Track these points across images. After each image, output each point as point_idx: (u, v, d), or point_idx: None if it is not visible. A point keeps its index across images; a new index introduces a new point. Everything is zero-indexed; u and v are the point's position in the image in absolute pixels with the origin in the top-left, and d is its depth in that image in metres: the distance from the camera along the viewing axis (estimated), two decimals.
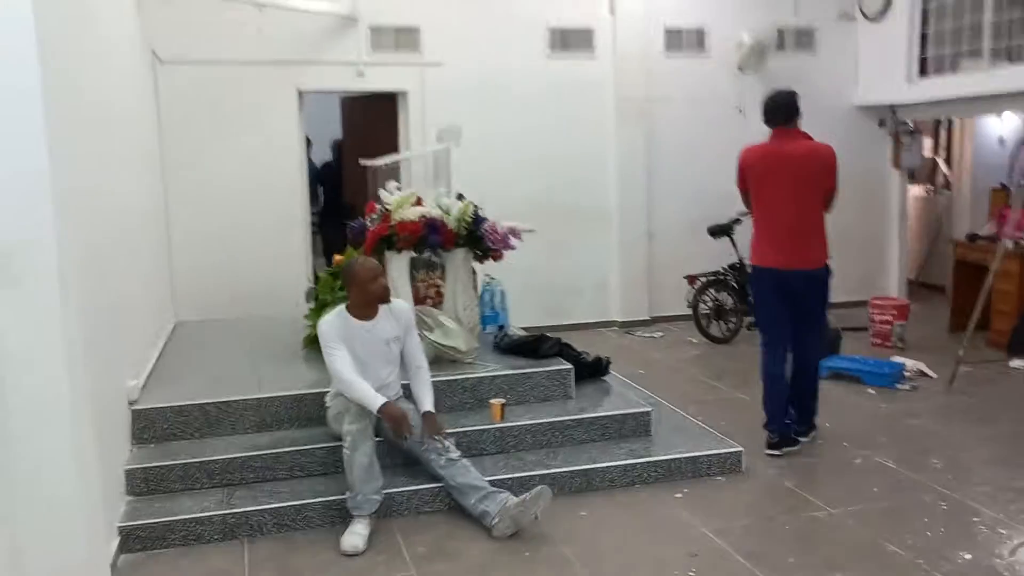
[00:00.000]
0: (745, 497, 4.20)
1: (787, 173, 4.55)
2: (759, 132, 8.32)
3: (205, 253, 6.96)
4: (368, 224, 5.03)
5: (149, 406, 4.28)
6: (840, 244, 8.58)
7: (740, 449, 4.49)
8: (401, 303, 4.26)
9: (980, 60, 7.15)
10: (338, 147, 8.79)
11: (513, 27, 7.56)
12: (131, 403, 4.24)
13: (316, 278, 5.70)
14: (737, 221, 7.51)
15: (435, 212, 5.03)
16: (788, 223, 4.56)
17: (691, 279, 7.35)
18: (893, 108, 8.45)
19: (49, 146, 2.60)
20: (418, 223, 4.90)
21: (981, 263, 7.05)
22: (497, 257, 5.26)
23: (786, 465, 4.57)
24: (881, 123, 8.58)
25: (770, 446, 4.67)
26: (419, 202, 5.13)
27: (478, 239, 5.12)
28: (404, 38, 7.33)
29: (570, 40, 7.73)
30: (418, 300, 5.31)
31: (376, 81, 7.35)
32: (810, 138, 4.65)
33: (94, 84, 3.92)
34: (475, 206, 5.08)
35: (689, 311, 7.43)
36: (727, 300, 7.45)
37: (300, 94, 7.24)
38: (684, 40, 8.02)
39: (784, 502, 4.12)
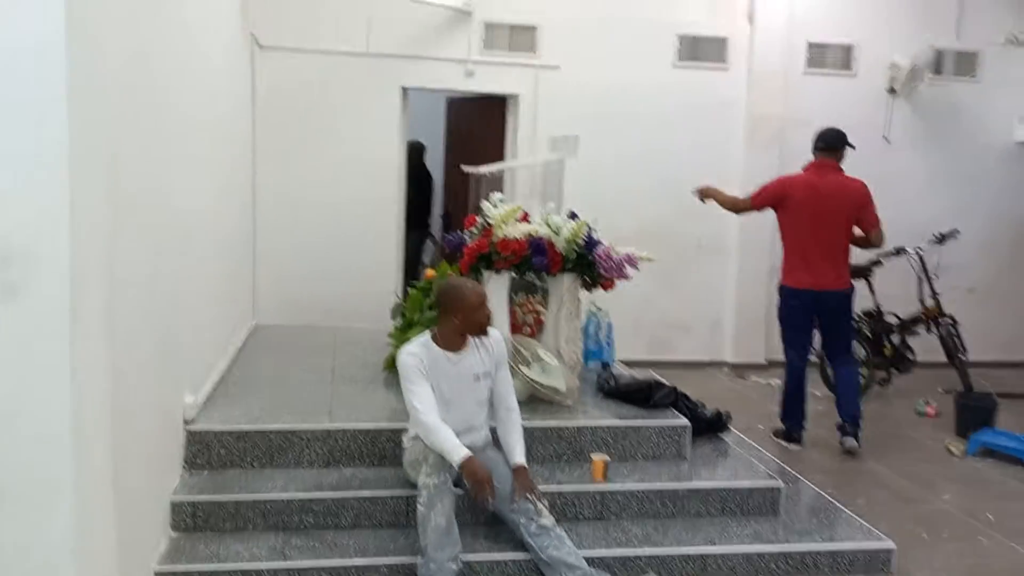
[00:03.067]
0: None
1: (823, 203, 5.05)
2: (906, 164, 7.58)
3: (292, 255, 6.55)
4: (466, 238, 4.46)
5: (206, 428, 3.78)
6: (988, 296, 7.77)
7: (892, 546, 3.69)
8: (495, 333, 3.64)
9: None
10: (419, 150, 8.05)
11: (638, 31, 6.91)
12: (187, 422, 3.75)
13: (405, 293, 5.16)
14: (877, 263, 6.65)
15: (543, 231, 4.42)
16: (823, 248, 5.06)
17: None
18: None
19: (71, 137, 2.00)
20: (523, 241, 4.30)
21: None
22: (608, 286, 4.62)
23: (941, 568, 3.76)
24: None
25: (790, 439, 5.34)
26: (525, 218, 4.54)
27: (589, 264, 4.49)
28: (519, 37, 6.77)
29: (701, 49, 7.02)
30: (515, 327, 4.71)
31: (486, 82, 6.81)
32: (843, 172, 5.17)
33: (170, 67, 3.44)
34: (589, 227, 4.45)
35: (814, 359, 6.58)
36: (858, 350, 6.58)
37: (404, 91, 6.75)
38: (829, 57, 7.21)
39: None
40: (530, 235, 4.32)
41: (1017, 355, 7.70)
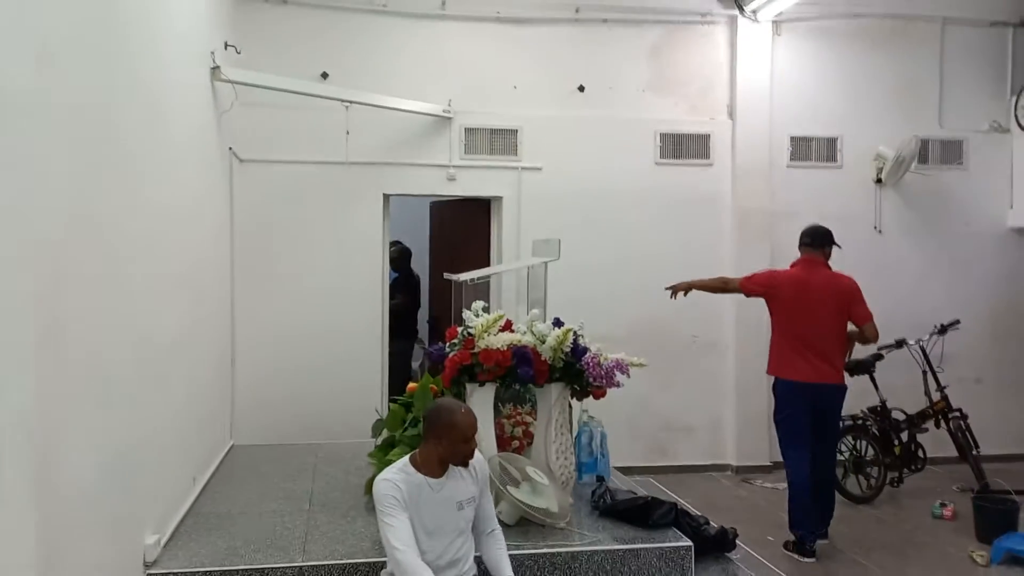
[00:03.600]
0: None
1: (813, 299, 5.08)
2: (899, 254, 7.44)
3: (273, 370, 6.30)
4: (448, 350, 4.24)
5: (169, 570, 3.46)
6: (994, 387, 7.51)
7: None
8: (479, 454, 3.37)
9: None
10: (406, 254, 7.78)
11: (619, 130, 6.86)
12: (148, 565, 3.43)
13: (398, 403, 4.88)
14: (879, 357, 6.44)
15: (527, 339, 4.20)
16: (817, 344, 5.06)
17: None
18: None
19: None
20: (506, 352, 4.08)
21: None
22: (599, 395, 4.38)
23: None
24: None
25: (806, 553, 5.02)
26: (508, 326, 4.33)
27: (577, 373, 4.26)
28: (500, 140, 6.71)
29: (683, 146, 6.97)
30: (502, 442, 4.44)
31: (468, 185, 6.72)
32: (830, 268, 5.26)
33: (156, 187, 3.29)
34: (575, 333, 4.23)
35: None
36: (868, 450, 6.29)
37: (386, 198, 6.65)
38: (814, 149, 7.16)
39: None
40: (514, 344, 4.11)
41: None
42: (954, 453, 6.50)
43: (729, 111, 7.02)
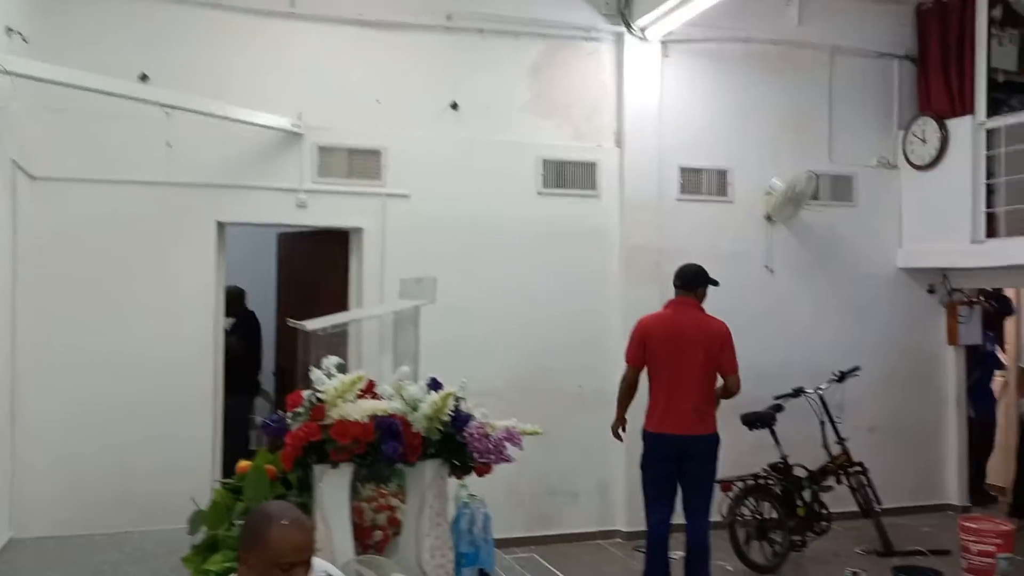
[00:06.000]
0: None
1: (681, 343, 4.74)
2: (791, 294, 6.96)
3: (68, 437, 5.07)
4: (289, 422, 3.25)
5: None
6: (889, 436, 7.11)
7: None
8: (320, 566, 2.44)
9: None
10: (237, 295, 6.69)
11: (499, 155, 6.10)
12: None
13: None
14: (779, 408, 5.91)
15: (394, 406, 3.26)
16: (684, 390, 4.71)
17: (725, 485, 5.57)
18: (945, 273, 7.08)
19: None
20: (368, 424, 3.13)
21: None
22: (484, 471, 3.49)
23: None
24: (931, 290, 7.18)
25: None
26: (370, 388, 3.37)
27: (458, 447, 3.36)
28: (361, 162, 5.80)
29: (568, 175, 6.27)
30: (362, 533, 3.46)
31: (322, 214, 5.76)
32: (702, 311, 4.87)
33: None
34: (456, 398, 3.34)
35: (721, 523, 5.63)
36: (771, 512, 5.68)
37: (220, 226, 5.57)
38: (704, 181, 6.62)
39: None
40: (377, 414, 3.17)
41: (927, 499, 7.04)
42: (849, 507, 6.09)
43: (616, 138, 6.40)
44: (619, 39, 6.36)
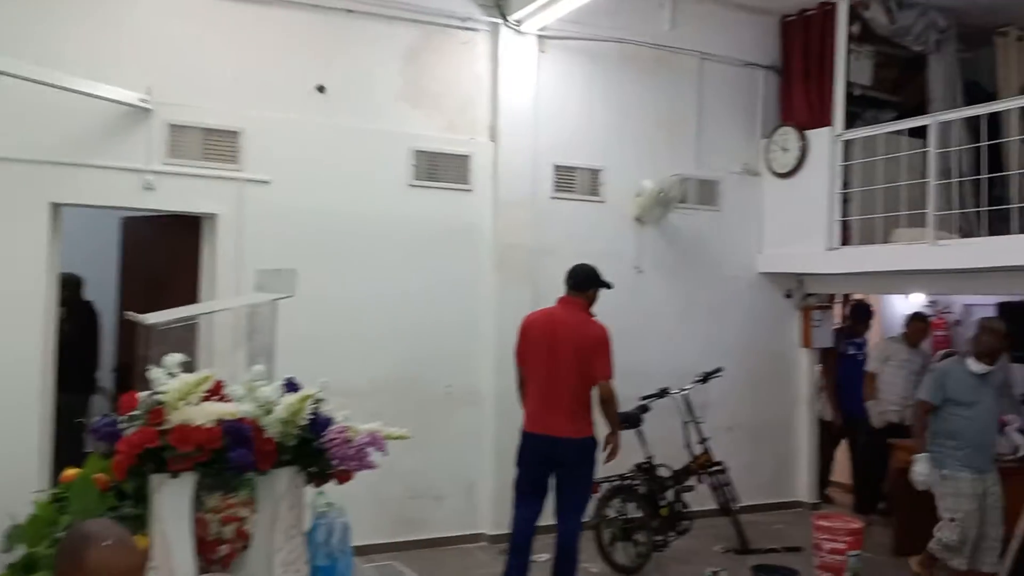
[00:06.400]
0: None
1: (557, 342, 4.62)
2: (659, 296, 7.03)
3: None
4: (122, 426, 2.90)
5: None
6: (746, 435, 7.27)
7: None
8: None
9: (920, 230, 6.08)
10: (73, 283, 6.12)
11: (368, 144, 5.82)
12: None
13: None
14: (645, 408, 5.92)
15: (245, 409, 2.97)
16: (558, 391, 4.60)
17: (592, 486, 5.50)
18: (801, 278, 7.33)
19: None
20: (214, 429, 2.83)
21: None
22: (345, 479, 3.25)
23: None
24: (788, 294, 7.42)
25: None
26: (217, 390, 3.06)
27: (316, 453, 3.10)
28: (217, 143, 5.39)
29: (441, 167, 6.06)
30: (205, 548, 3.14)
31: (172, 198, 5.31)
32: (590, 315, 4.75)
33: None
34: (316, 399, 3.08)
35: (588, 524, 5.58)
36: (636, 513, 5.68)
37: (55, 208, 5.04)
38: (577, 180, 6.57)
39: None
40: (225, 419, 2.87)
41: (780, 496, 7.28)
42: (708, 506, 6.19)
43: (491, 132, 6.24)
44: (495, 30, 6.21)
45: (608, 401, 4.67)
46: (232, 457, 2.89)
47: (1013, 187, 6.33)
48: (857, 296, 7.90)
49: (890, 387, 6.72)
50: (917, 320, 6.92)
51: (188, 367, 3.08)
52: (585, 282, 4.79)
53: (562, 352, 4.62)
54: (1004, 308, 7.15)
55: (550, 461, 4.67)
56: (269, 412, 3.02)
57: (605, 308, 6.45)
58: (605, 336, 4.66)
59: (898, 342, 6.89)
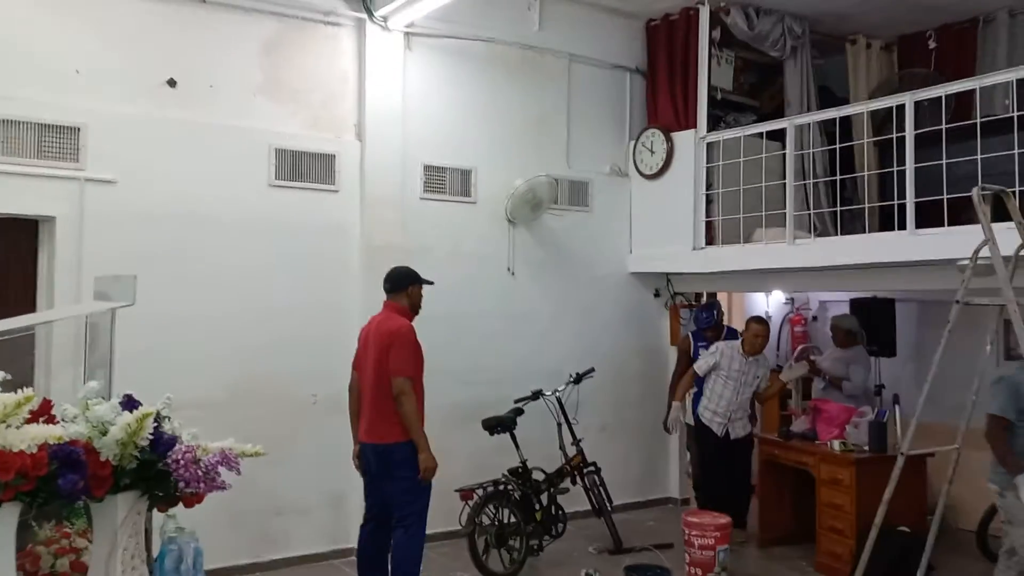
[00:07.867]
0: None
1: (370, 346, 4.60)
2: (531, 297, 6.98)
3: None
4: None
5: None
6: (618, 433, 7.30)
7: None
8: None
9: (779, 230, 6.29)
10: None
11: (224, 141, 5.52)
12: None
13: None
14: (519, 412, 5.88)
15: (76, 430, 2.70)
16: (370, 396, 4.55)
17: (465, 493, 5.39)
18: (669, 277, 7.47)
19: None
20: (38, 455, 2.55)
21: (799, 466, 6.02)
22: (193, 502, 3.01)
23: None
24: (656, 293, 7.54)
25: None
26: (45, 410, 2.77)
27: (160, 475, 2.85)
28: (54, 140, 4.96)
29: (304, 166, 5.82)
30: None
31: (4, 199, 4.85)
32: (406, 315, 4.66)
33: None
34: (158, 417, 2.83)
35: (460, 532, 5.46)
36: (511, 519, 5.60)
37: None
38: (448, 181, 6.45)
39: None
40: (52, 442, 2.59)
41: (651, 493, 7.40)
42: (582, 507, 6.21)
43: (357, 131, 6.05)
44: (360, 26, 6.01)
45: (400, 399, 4.37)
46: (61, 484, 2.61)
47: (862, 188, 6.66)
48: (707, 297, 7.76)
49: (717, 397, 6.19)
50: (754, 323, 6.25)
51: (16, 386, 2.78)
52: (400, 282, 4.71)
53: (372, 356, 4.56)
54: (855, 304, 7.50)
55: (375, 469, 4.59)
56: (104, 433, 2.75)
57: (477, 309, 6.42)
58: (404, 331, 4.50)
59: (733, 349, 6.18)
